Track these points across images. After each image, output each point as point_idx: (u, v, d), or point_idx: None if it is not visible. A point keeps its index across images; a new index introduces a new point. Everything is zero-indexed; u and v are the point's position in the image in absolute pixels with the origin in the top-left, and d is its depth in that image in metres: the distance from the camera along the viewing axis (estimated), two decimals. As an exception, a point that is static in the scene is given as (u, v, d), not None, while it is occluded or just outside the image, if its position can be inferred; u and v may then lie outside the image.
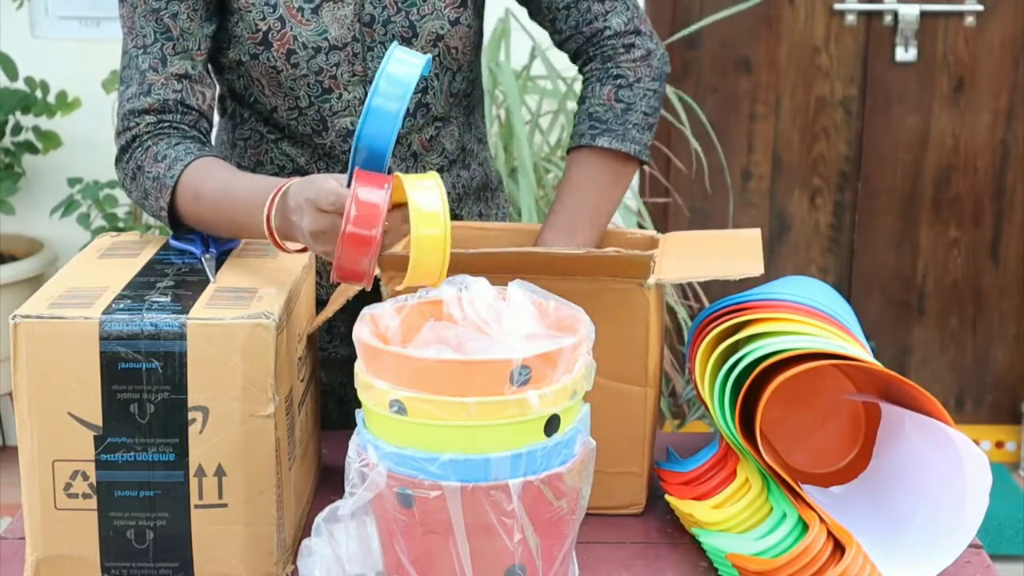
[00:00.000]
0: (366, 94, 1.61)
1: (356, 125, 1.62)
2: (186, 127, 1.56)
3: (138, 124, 1.54)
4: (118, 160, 1.57)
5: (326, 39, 1.58)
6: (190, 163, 1.50)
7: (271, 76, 1.59)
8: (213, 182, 1.48)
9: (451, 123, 1.69)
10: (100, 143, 3.53)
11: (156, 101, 1.54)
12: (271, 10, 1.57)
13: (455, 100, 1.68)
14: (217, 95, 1.71)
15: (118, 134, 1.56)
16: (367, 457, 1.17)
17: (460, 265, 1.31)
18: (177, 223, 1.51)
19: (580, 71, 1.67)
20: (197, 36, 1.57)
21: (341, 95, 1.61)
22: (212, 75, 1.62)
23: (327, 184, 1.27)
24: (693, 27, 3.31)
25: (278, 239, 1.36)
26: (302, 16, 1.58)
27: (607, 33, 1.62)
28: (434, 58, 1.62)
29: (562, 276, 1.41)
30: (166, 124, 1.55)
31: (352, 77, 1.61)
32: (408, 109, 1.63)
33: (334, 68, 1.59)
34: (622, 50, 1.62)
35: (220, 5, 1.59)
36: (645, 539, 1.43)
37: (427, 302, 1.25)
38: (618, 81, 1.62)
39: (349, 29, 1.59)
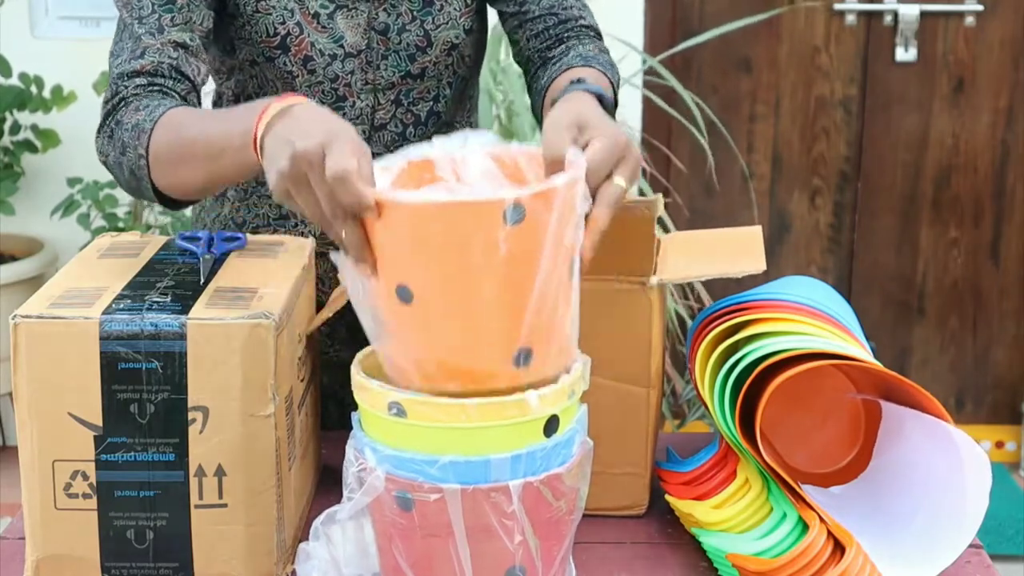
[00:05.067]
0: (377, 103, 1.62)
1: (366, 133, 1.64)
2: (177, 94, 1.47)
3: (126, 87, 1.45)
4: (99, 128, 1.46)
5: (342, 46, 1.58)
6: (174, 107, 1.40)
7: (286, 80, 1.58)
8: (200, 111, 1.38)
9: (455, 127, 1.71)
10: (100, 143, 3.54)
11: (150, 63, 1.46)
12: (290, 15, 1.56)
13: (461, 106, 1.70)
14: (212, 101, 1.69)
15: (105, 103, 1.47)
16: (364, 461, 1.16)
17: None
18: (156, 186, 1.40)
19: (542, 52, 1.63)
20: (200, 10, 1.51)
21: (354, 103, 1.61)
22: (207, 54, 1.54)
23: (354, 181, 1.11)
24: (700, 38, 3.31)
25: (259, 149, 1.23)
26: (318, 23, 1.57)
27: (581, 23, 1.64)
28: (447, 67, 1.64)
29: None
30: (156, 87, 1.46)
31: (364, 85, 1.61)
32: (420, 117, 1.64)
33: (349, 76, 1.59)
34: (593, 36, 1.64)
35: (221, 2, 1.56)
36: (645, 539, 1.43)
37: (417, 163, 1.22)
38: (600, 44, 1.63)
39: (363, 36, 1.59)
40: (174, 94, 1.46)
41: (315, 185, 1.14)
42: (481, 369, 1.15)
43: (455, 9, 1.62)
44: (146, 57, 1.46)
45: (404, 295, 1.14)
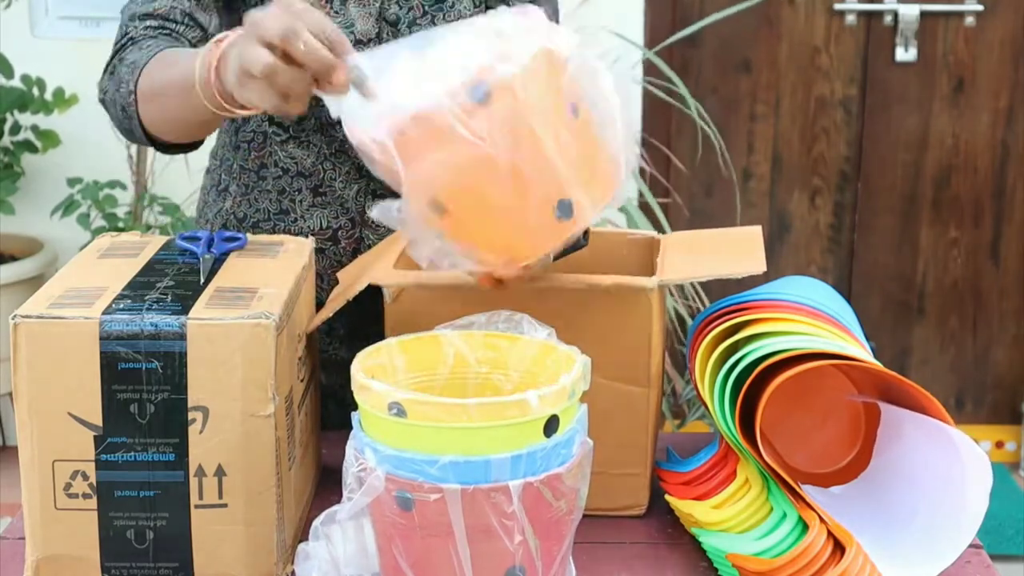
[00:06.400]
0: None
1: None
2: (188, 41, 1.47)
3: (135, 27, 1.46)
4: (104, 70, 1.47)
5: (352, 32, 1.59)
6: (171, 46, 1.40)
7: None
8: (184, 50, 1.38)
9: None
10: (100, 143, 3.54)
11: (163, 7, 1.47)
12: None
13: None
14: None
15: (115, 44, 1.48)
16: (364, 461, 1.16)
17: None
18: (144, 125, 1.41)
19: None
20: None
21: None
22: (217, 15, 1.56)
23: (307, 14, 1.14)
24: (694, 27, 3.31)
25: (217, 91, 1.25)
26: (330, 7, 1.59)
27: None
28: None
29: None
30: (167, 31, 1.46)
31: None
32: None
33: None
34: None
35: None
36: (645, 539, 1.43)
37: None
38: None
39: (374, 26, 1.60)
40: (184, 40, 1.47)
41: (298, 58, 1.16)
42: (529, 238, 1.22)
43: (466, 8, 1.64)
44: (159, 1, 1.48)
45: (437, 208, 1.19)
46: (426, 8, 1.63)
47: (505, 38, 1.19)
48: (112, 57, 1.48)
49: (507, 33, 1.20)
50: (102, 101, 1.49)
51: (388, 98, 1.18)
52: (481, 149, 1.16)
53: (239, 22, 1.58)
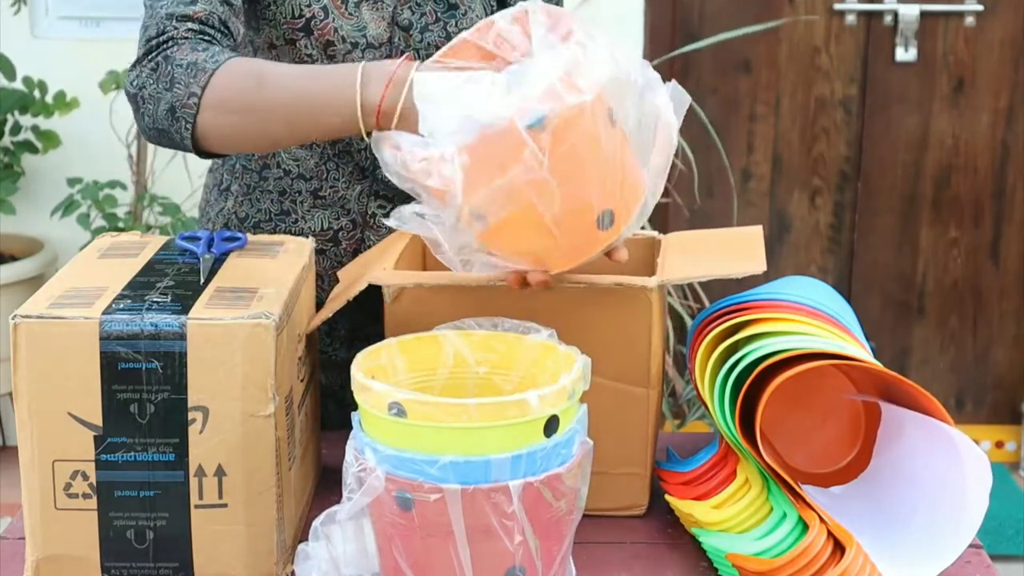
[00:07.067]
0: None
1: None
2: (227, 49, 1.45)
3: (177, 28, 1.44)
4: (137, 62, 1.44)
5: (364, 35, 1.60)
6: (237, 57, 1.40)
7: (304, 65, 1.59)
8: (284, 67, 1.39)
9: None
10: (100, 143, 3.54)
11: (202, 11, 1.45)
12: None
13: None
14: None
15: (149, 40, 1.44)
16: (364, 461, 1.16)
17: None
18: (196, 130, 1.40)
19: None
20: None
21: None
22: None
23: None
24: (700, 44, 3.31)
25: (384, 119, 1.29)
26: (345, 9, 1.59)
27: None
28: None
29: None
30: (207, 37, 1.45)
31: None
32: None
33: None
34: None
35: None
36: (645, 539, 1.43)
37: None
38: None
39: (386, 30, 1.61)
40: (224, 48, 1.45)
41: None
42: (569, 248, 1.26)
43: (478, 16, 1.64)
44: (199, 5, 1.46)
45: (479, 219, 1.22)
46: (438, 15, 1.63)
47: (575, 62, 1.20)
48: (150, 51, 1.43)
49: (577, 56, 1.21)
50: (135, 95, 1.44)
51: (460, 112, 1.21)
52: (536, 173, 1.18)
53: (262, 32, 1.59)
